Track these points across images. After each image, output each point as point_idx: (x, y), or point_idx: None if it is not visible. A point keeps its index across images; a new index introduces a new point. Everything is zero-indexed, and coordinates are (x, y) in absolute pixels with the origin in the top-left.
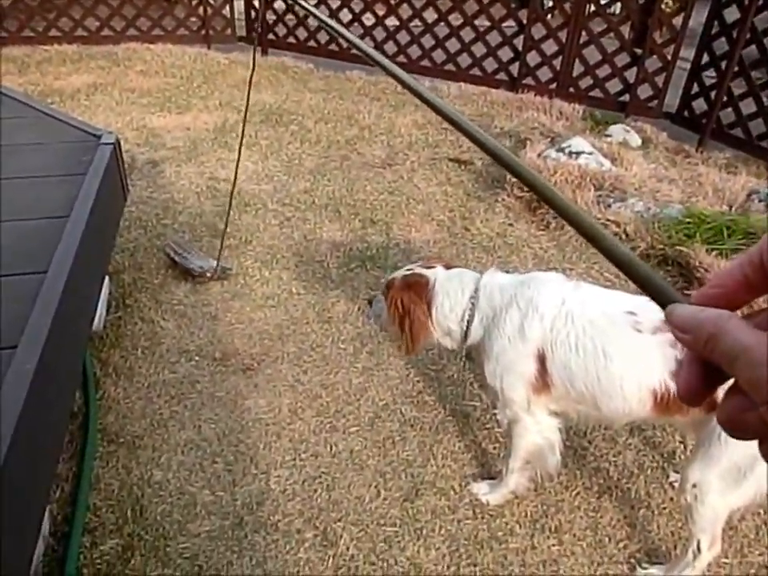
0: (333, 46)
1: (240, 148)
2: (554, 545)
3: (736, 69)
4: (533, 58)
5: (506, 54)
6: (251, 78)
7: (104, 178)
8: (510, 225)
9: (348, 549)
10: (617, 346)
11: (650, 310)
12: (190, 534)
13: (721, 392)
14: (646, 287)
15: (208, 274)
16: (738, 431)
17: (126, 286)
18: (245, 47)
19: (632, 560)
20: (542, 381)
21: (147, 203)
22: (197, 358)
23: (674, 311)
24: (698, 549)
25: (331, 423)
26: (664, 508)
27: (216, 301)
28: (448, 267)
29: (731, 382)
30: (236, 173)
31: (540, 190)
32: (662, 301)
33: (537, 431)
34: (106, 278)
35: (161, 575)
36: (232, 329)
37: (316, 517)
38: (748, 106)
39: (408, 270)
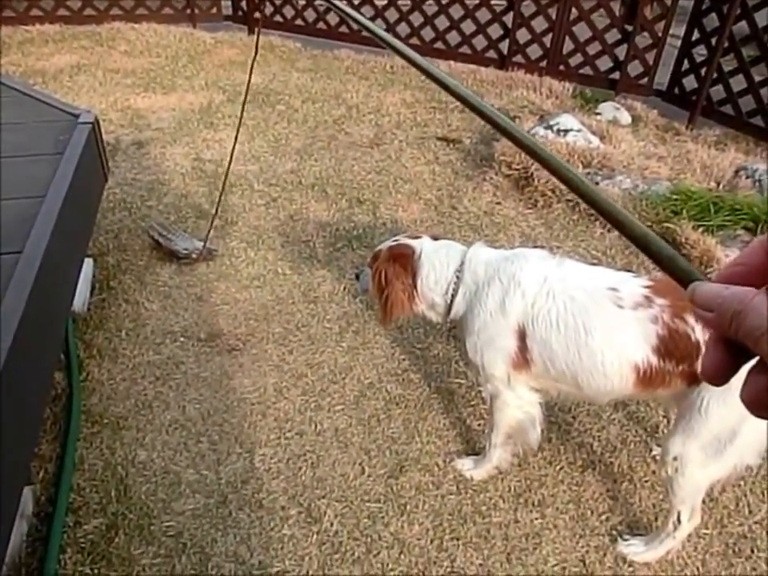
0: (320, 25)
1: (238, 130)
2: (536, 518)
3: (726, 45)
4: (522, 36)
5: (495, 31)
6: (254, 61)
7: (82, 157)
8: (498, 203)
9: (332, 525)
10: (598, 322)
11: (631, 286)
12: (174, 512)
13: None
14: (667, 266)
15: (194, 256)
16: (763, 410)
17: (110, 268)
18: (231, 26)
19: (614, 532)
20: (523, 357)
21: (132, 185)
22: (182, 339)
23: (697, 289)
24: (678, 520)
25: (316, 402)
26: (646, 481)
27: (201, 282)
28: (435, 238)
29: (754, 360)
30: (232, 154)
31: (564, 174)
32: (684, 280)
33: (518, 406)
34: (90, 260)
35: (145, 553)
36: (217, 309)
37: (300, 494)
38: (738, 83)
39: (394, 240)
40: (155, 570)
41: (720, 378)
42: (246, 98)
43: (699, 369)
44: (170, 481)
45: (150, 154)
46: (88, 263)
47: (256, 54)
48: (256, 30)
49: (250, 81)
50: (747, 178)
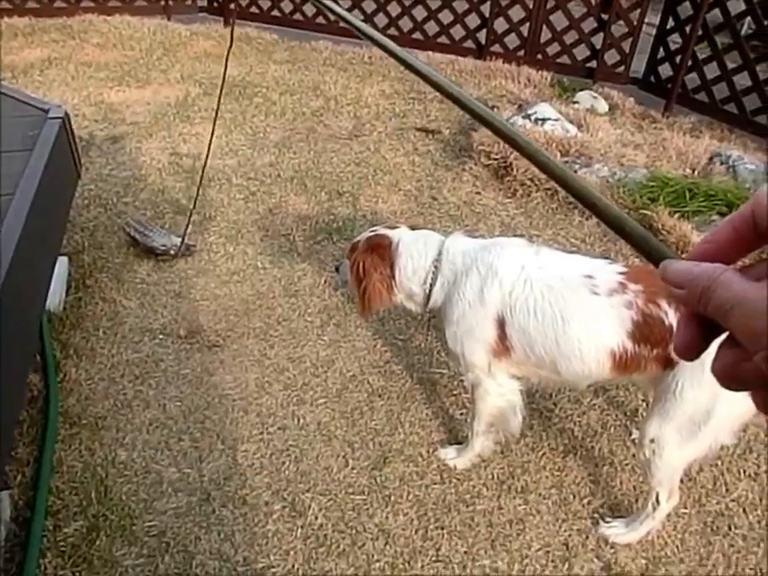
0: (297, 16)
1: (214, 123)
2: (520, 504)
3: (700, 33)
4: (500, 25)
5: (473, 20)
6: (228, 52)
7: (52, 153)
8: (478, 193)
9: (316, 518)
10: (574, 310)
11: (606, 273)
12: (156, 511)
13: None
14: (641, 247)
15: (172, 252)
16: (733, 383)
17: (86, 266)
18: (206, 18)
19: (595, 515)
20: (502, 345)
21: (107, 181)
22: (161, 337)
23: (668, 267)
24: (657, 501)
25: (299, 396)
26: (626, 464)
27: (180, 278)
28: (413, 229)
29: (725, 335)
30: (209, 148)
31: (541, 160)
32: (656, 259)
33: (499, 394)
34: (65, 258)
35: (127, 554)
36: (197, 306)
37: (284, 489)
38: (712, 71)
39: (372, 231)
40: (138, 571)
41: (692, 353)
42: (221, 90)
43: (672, 345)
44: (152, 480)
45: (125, 149)
46: (63, 261)
47: (231, 45)
48: (231, 21)
49: (225, 73)
50: (721, 164)
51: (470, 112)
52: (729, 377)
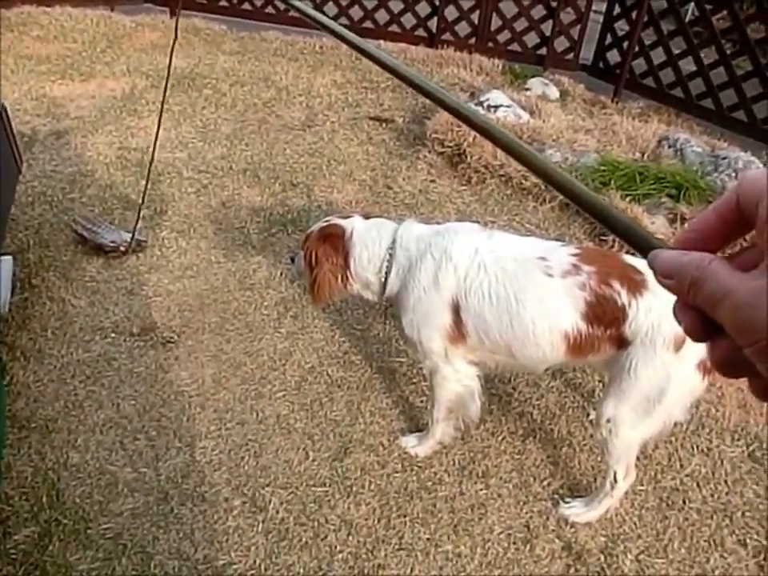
0: (246, 5)
1: (160, 116)
2: (481, 489)
3: (646, 19)
4: (451, 13)
5: (423, 8)
6: (174, 43)
7: None
8: (433, 181)
9: (278, 512)
10: (528, 292)
11: (559, 254)
12: (112, 513)
13: None
14: (627, 237)
15: (122, 248)
16: (730, 372)
17: (31, 266)
18: (152, 8)
19: (555, 496)
20: (458, 331)
21: (52, 177)
22: (113, 335)
23: (657, 257)
24: (615, 479)
25: (257, 390)
26: (585, 445)
27: (131, 275)
28: (366, 217)
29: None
30: (156, 140)
31: (503, 141)
32: (644, 248)
33: (457, 380)
34: (9, 257)
35: (82, 558)
36: (149, 302)
37: (244, 484)
38: (659, 56)
39: (326, 220)
40: (94, 575)
41: (702, 334)
42: (167, 82)
43: (682, 330)
44: (106, 481)
45: (70, 144)
46: (7, 261)
47: (176, 36)
48: (177, 11)
49: (171, 65)
50: (669, 147)
51: (427, 95)
52: (725, 366)
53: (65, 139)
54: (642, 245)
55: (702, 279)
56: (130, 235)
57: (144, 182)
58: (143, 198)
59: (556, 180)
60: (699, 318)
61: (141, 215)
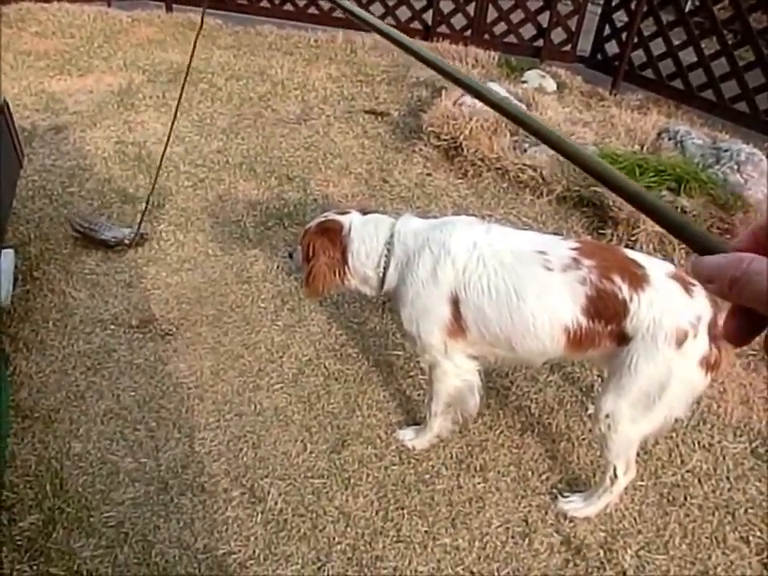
0: (241, 0)
1: (176, 113)
2: (479, 483)
3: (645, 10)
4: (446, 5)
5: (418, 1)
6: (196, 39)
7: None
8: (429, 174)
9: (276, 503)
10: (528, 286)
11: (559, 248)
12: (113, 502)
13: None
14: (682, 235)
15: (126, 241)
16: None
17: (33, 258)
18: (148, 4)
19: (554, 491)
20: (457, 324)
21: (51, 171)
22: (112, 327)
23: (697, 264)
24: (615, 475)
25: (254, 382)
26: (583, 440)
27: (130, 268)
28: (364, 213)
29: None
30: (169, 137)
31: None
32: (704, 248)
33: (456, 375)
34: (11, 251)
35: (85, 546)
36: (148, 295)
37: (243, 475)
38: (658, 47)
39: (324, 216)
40: (97, 562)
41: (737, 340)
42: (186, 78)
43: (722, 333)
44: (108, 471)
45: (68, 138)
46: (9, 254)
47: (200, 30)
48: (203, 7)
49: (192, 59)
50: (669, 139)
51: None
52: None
53: (63, 134)
54: (697, 244)
55: (744, 279)
56: (129, 230)
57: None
58: (152, 191)
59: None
60: (749, 316)
61: (136, 208)
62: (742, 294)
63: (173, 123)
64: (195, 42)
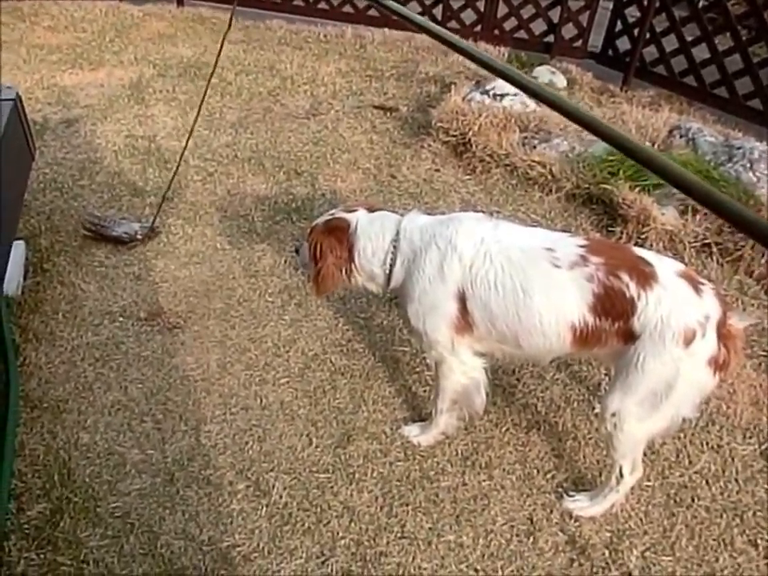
0: None
1: (200, 108)
2: (484, 480)
3: (658, 5)
4: (456, 1)
5: None
6: (223, 39)
7: (5, 134)
8: (437, 170)
9: (281, 497)
10: (535, 283)
11: (567, 245)
12: (120, 493)
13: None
14: (755, 235)
15: (139, 236)
16: None
17: (43, 250)
18: None
19: (560, 489)
20: (464, 321)
21: (62, 164)
22: (121, 319)
23: None
24: (621, 474)
25: (261, 376)
26: (590, 438)
27: (138, 261)
28: (371, 210)
29: None
30: (191, 133)
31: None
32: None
33: (462, 372)
34: (22, 242)
35: (92, 535)
36: (156, 288)
37: (248, 468)
38: (670, 43)
39: (330, 214)
40: (103, 552)
41: None
42: (213, 72)
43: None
44: (115, 462)
45: (79, 132)
46: (20, 246)
47: (229, 26)
48: (233, 4)
49: (219, 54)
50: (681, 137)
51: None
52: None
53: (75, 127)
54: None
55: None
56: (139, 225)
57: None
58: (169, 186)
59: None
60: None
61: (145, 202)
62: None
63: (195, 121)
64: (222, 42)
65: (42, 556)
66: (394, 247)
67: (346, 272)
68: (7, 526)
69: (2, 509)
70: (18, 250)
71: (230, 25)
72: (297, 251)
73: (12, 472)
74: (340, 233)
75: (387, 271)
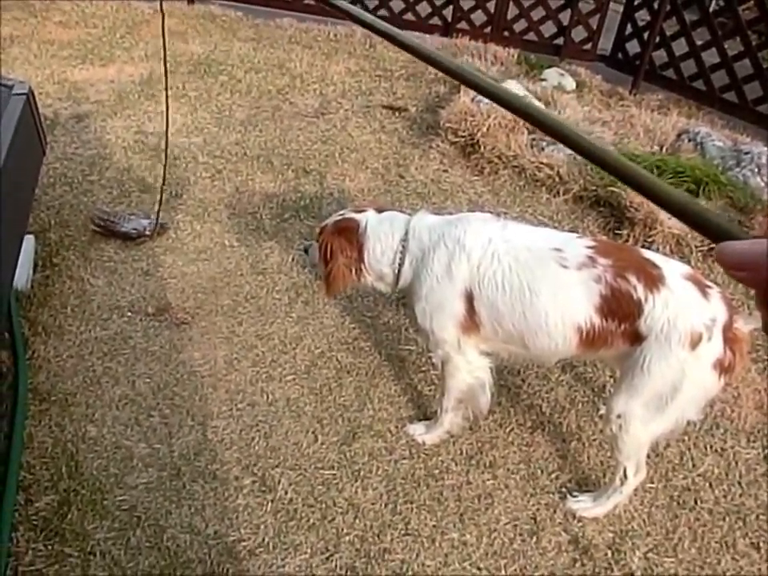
0: None
1: (167, 97)
2: (488, 479)
3: (668, 9)
4: (466, 2)
5: None
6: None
7: (18, 129)
8: (445, 171)
9: (286, 493)
10: (542, 283)
11: (575, 246)
12: (127, 486)
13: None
14: (698, 225)
15: (147, 233)
16: None
17: (52, 245)
18: None
19: (563, 489)
20: (471, 320)
21: (72, 159)
22: (129, 314)
23: (724, 249)
24: (625, 475)
25: (267, 373)
26: (594, 440)
27: (147, 256)
28: (380, 210)
29: None
30: (167, 123)
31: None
32: (717, 237)
33: (468, 371)
34: (31, 236)
35: (99, 528)
36: (164, 283)
37: (254, 464)
38: (680, 47)
39: (340, 214)
40: (110, 544)
41: None
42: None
43: (762, 327)
44: (122, 455)
45: (89, 127)
46: (29, 240)
47: (163, 16)
48: None
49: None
50: (689, 141)
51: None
52: None
53: (85, 123)
54: (714, 233)
55: None
56: (148, 221)
57: (161, 166)
58: (163, 181)
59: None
60: None
61: (156, 198)
62: None
63: (167, 108)
64: (163, 30)
65: (49, 547)
66: (403, 247)
67: (355, 272)
68: (15, 518)
69: (10, 500)
70: (28, 244)
71: (162, 15)
72: (305, 250)
73: (21, 464)
74: (350, 233)
75: (396, 271)
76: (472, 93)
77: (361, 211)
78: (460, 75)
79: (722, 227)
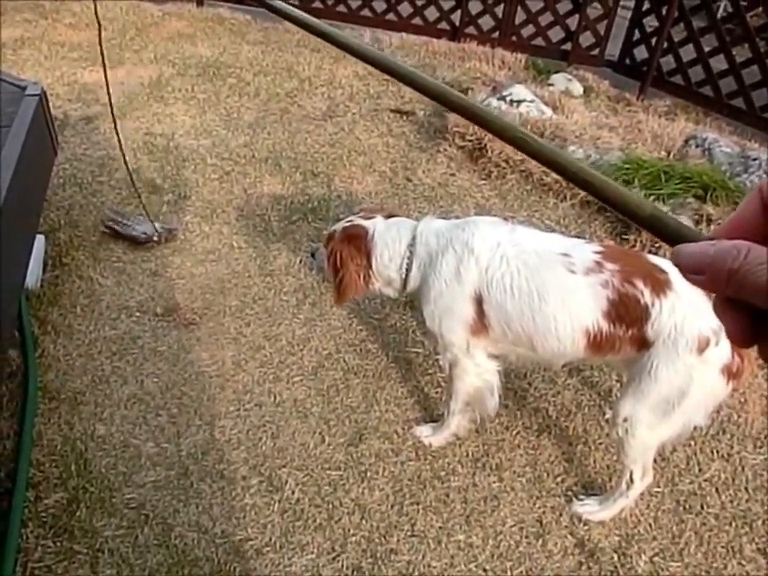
0: None
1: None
2: (494, 482)
3: (676, 15)
4: (474, 6)
5: (447, 2)
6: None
7: (30, 130)
8: (452, 174)
9: (293, 493)
10: (551, 287)
11: (583, 251)
12: (135, 484)
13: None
14: (653, 228)
15: (155, 238)
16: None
17: (62, 245)
18: None
19: (569, 493)
20: (480, 323)
21: (82, 160)
22: (138, 314)
23: (681, 252)
24: (631, 479)
25: (275, 373)
26: (600, 443)
27: (156, 257)
28: (388, 217)
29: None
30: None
31: (512, 135)
32: (672, 240)
33: (476, 374)
34: (42, 236)
35: (107, 525)
36: (173, 284)
37: (261, 464)
38: (688, 53)
39: (348, 221)
40: (118, 542)
41: (746, 340)
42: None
43: (725, 336)
44: (130, 454)
45: (99, 128)
46: (40, 240)
47: (98, 18)
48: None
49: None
50: (697, 147)
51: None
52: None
53: (94, 124)
54: (670, 236)
55: (744, 270)
56: (158, 225)
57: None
58: (132, 182)
59: (557, 163)
60: (745, 317)
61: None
62: (742, 288)
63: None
64: (99, 33)
65: (58, 544)
66: (410, 252)
67: (364, 278)
68: (25, 514)
69: (20, 497)
70: (38, 243)
71: (97, 17)
72: (313, 255)
73: (30, 461)
74: (358, 240)
75: (403, 275)
76: (480, 97)
77: (369, 218)
78: (404, 77)
79: (676, 229)
